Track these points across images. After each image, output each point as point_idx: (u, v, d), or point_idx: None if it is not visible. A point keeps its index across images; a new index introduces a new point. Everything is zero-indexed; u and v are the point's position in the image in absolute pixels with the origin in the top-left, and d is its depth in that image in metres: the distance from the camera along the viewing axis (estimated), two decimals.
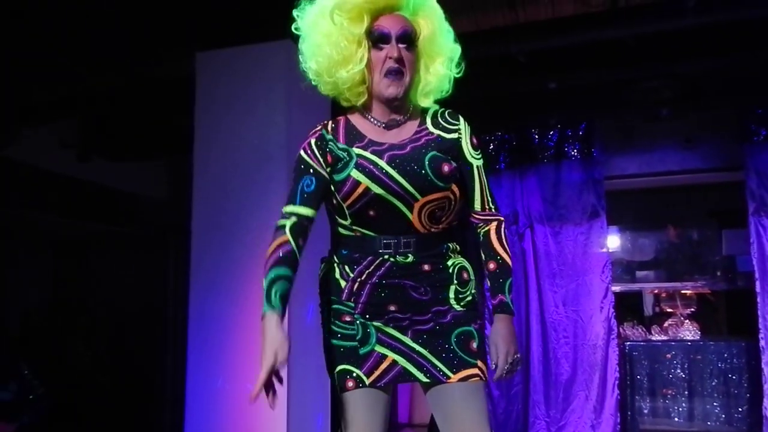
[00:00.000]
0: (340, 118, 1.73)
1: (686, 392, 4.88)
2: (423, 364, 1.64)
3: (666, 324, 5.21)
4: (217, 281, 3.54)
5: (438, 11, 1.70)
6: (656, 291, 5.66)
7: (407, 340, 1.65)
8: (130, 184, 5.48)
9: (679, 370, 4.93)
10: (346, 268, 1.67)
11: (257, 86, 3.57)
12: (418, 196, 1.62)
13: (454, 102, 5.23)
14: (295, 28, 1.70)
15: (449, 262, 1.70)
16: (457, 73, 1.73)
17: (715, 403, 4.80)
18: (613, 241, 5.70)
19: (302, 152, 1.68)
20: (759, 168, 4.66)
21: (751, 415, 4.66)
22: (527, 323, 5.03)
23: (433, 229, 1.67)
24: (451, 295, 1.68)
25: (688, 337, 5.05)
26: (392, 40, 1.61)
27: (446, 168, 1.64)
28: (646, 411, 4.95)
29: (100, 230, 5.75)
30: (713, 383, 4.82)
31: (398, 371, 1.64)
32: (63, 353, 5.81)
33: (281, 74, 3.52)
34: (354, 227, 1.66)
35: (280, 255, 1.58)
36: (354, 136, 1.67)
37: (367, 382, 1.62)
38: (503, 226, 1.78)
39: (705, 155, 5.16)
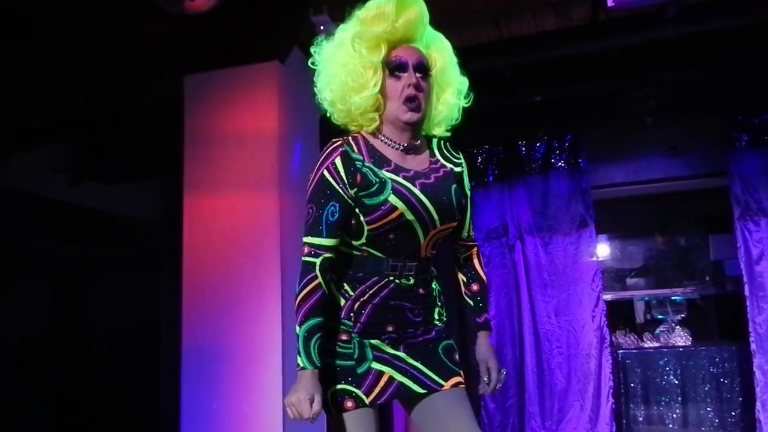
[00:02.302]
0: (356, 136, 1.72)
1: (680, 398, 4.91)
2: (417, 377, 1.68)
3: (657, 331, 5.25)
4: (210, 303, 3.55)
5: (448, 45, 1.77)
6: (647, 298, 5.70)
7: (402, 354, 1.68)
8: (121, 207, 5.48)
9: (672, 377, 4.97)
10: (346, 286, 1.68)
11: (246, 108, 3.60)
12: (438, 225, 1.69)
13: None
14: (312, 63, 1.76)
15: (434, 285, 1.78)
16: (466, 104, 1.80)
17: (708, 408, 4.84)
18: (603, 250, 5.76)
19: (326, 173, 1.64)
20: (742, 173, 4.74)
21: (744, 418, 4.70)
22: (520, 335, 5.06)
23: (429, 255, 1.74)
24: (435, 316, 1.76)
25: (679, 343, 5.09)
26: (410, 69, 1.67)
27: (463, 201, 1.78)
28: (640, 419, 4.98)
29: (92, 254, 5.74)
30: (706, 388, 4.86)
31: (396, 387, 1.67)
32: (60, 377, 5.78)
33: (270, 95, 3.55)
34: (364, 247, 1.67)
35: (315, 302, 1.59)
36: (379, 159, 1.68)
37: (367, 401, 1.63)
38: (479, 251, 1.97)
39: (690, 162, 5.24)
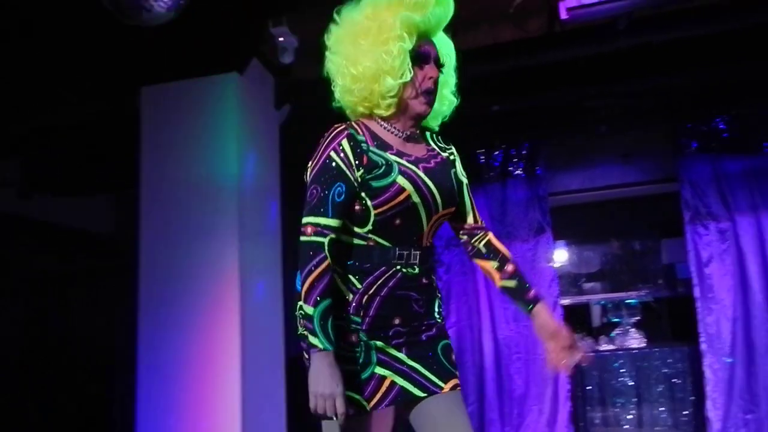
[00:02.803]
0: (357, 122, 1.71)
1: (635, 399, 5.03)
2: (417, 380, 1.64)
3: (613, 334, 5.38)
4: (167, 317, 3.48)
5: (452, 44, 1.82)
6: (603, 302, 5.83)
7: (404, 357, 1.65)
8: (74, 220, 5.32)
9: (627, 378, 5.08)
10: (353, 279, 1.62)
11: (205, 120, 3.55)
12: (440, 209, 1.69)
13: None
14: (333, 29, 1.71)
15: (433, 277, 1.75)
16: (457, 102, 1.84)
17: (661, 408, 4.97)
18: (560, 256, 5.86)
19: (333, 153, 1.61)
20: (692, 179, 4.91)
21: (696, 417, 4.85)
22: (480, 341, 5.12)
23: (429, 244, 1.72)
24: (436, 308, 1.73)
25: (634, 346, 5.21)
26: (431, 62, 1.70)
27: (461, 186, 1.80)
28: (597, 421, 5.08)
29: (44, 268, 5.56)
30: (659, 389, 4.99)
31: (397, 391, 1.63)
32: (8, 394, 5.57)
33: (229, 107, 3.51)
34: (371, 235, 1.63)
35: (327, 283, 1.53)
36: (381, 143, 1.68)
37: (369, 407, 1.60)
38: None
39: (642, 169, 5.39)
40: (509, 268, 1.76)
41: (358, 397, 1.59)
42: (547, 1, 3.45)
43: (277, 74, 3.71)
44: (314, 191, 1.59)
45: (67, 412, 5.73)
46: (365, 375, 1.61)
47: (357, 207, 1.62)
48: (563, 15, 3.35)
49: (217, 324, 3.40)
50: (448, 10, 1.73)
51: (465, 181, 1.83)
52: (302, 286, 1.54)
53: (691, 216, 4.89)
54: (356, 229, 1.63)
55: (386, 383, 1.62)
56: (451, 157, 1.82)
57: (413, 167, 1.65)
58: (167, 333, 3.45)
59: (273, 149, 3.79)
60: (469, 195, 1.84)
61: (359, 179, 1.61)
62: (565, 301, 5.37)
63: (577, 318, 5.73)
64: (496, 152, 5.25)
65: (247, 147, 3.56)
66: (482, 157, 5.27)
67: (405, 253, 1.64)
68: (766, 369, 4.61)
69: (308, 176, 1.64)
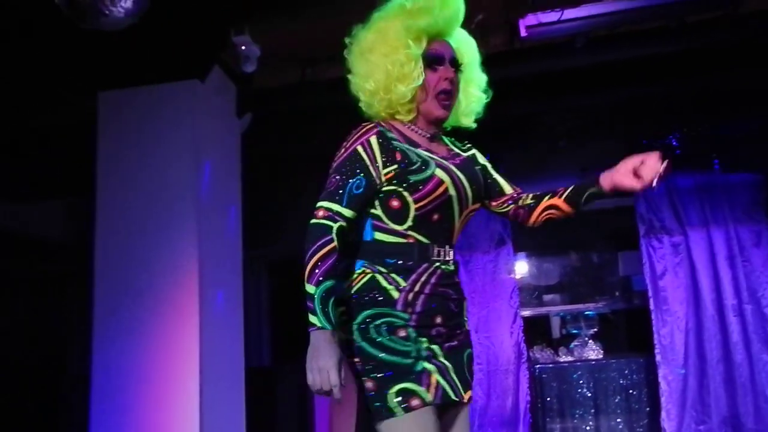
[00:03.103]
0: (385, 122, 1.73)
1: (593, 410, 5.11)
2: (451, 383, 1.62)
3: (572, 345, 5.46)
4: (122, 325, 3.42)
5: (474, 43, 1.85)
6: (562, 313, 5.92)
7: (442, 357, 1.63)
8: (28, 225, 5.19)
9: (585, 390, 5.16)
10: (396, 277, 1.61)
11: (164, 127, 3.52)
12: (470, 203, 1.72)
13: None
14: (347, 54, 1.77)
15: (457, 279, 1.75)
16: (486, 98, 1.87)
17: (618, 420, 5.05)
18: (520, 267, 5.94)
19: (360, 148, 1.62)
20: (646, 193, 5.03)
21: (651, 427, 4.94)
22: None
23: (455, 241, 1.73)
24: (465, 310, 1.74)
25: (592, 357, 5.30)
26: (446, 63, 1.72)
27: (483, 171, 1.83)
28: None
29: None
30: (616, 400, 5.08)
31: (441, 390, 1.59)
32: None
33: (190, 114, 3.49)
34: (410, 232, 1.63)
35: (331, 264, 1.51)
36: (411, 142, 1.71)
37: (429, 399, 1.55)
38: None
39: None
40: (559, 190, 1.80)
41: (419, 388, 1.54)
42: (507, 19, 3.52)
43: (239, 83, 3.70)
44: (333, 179, 1.61)
45: (16, 424, 5.54)
46: (418, 368, 1.57)
47: (395, 203, 1.62)
48: (523, 32, 3.42)
49: (174, 333, 3.35)
50: (457, 10, 1.75)
51: (487, 163, 1.90)
52: (306, 265, 1.51)
53: (646, 230, 5.01)
54: (396, 227, 1.64)
55: (433, 380, 1.58)
56: (471, 153, 1.88)
57: (445, 161, 1.69)
58: (123, 342, 3.39)
59: (233, 157, 3.77)
60: (496, 171, 1.91)
61: (391, 174, 1.62)
62: (526, 313, 5.44)
63: (537, 329, 5.80)
64: None
65: (206, 155, 3.53)
66: None
67: (441, 249, 1.66)
68: (717, 380, 4.74)
69: (332, 167, 1.64)
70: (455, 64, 1.74)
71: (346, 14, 3.34)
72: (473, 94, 1.84)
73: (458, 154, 1.81)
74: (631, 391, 5.08)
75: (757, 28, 3.54)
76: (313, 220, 1.56)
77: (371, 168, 1.61)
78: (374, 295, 1.60)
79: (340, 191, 1.58)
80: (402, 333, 1.58)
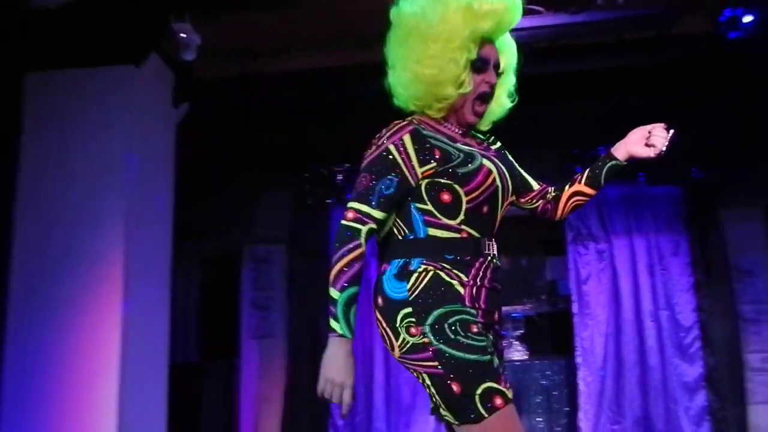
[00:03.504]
0: (417, 119, 1.65)
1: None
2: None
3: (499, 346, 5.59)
4: (39, 316, 3.26)
5: (515, 48, 1.79)
6: None
7: (498, 355, 1.59)
8: None
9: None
10: (457, 272, 1.55)
11: (95, 112, 3.38)
12: (509, 195, 1.68)
13: (304, 134, 5.26)
14: (401, 17, 1.65)
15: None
16: (512, 103, 1.83)
17: (538, 419, 5.22)
18: None
19: (392, 147, 1.55)
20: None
21: (569, 428, 5.14)
22: (371, 350, 5.16)
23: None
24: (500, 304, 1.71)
25: (516, 358, 5.45)
26: (490, 68, 1.67)
27: (516, 169, 1.78)
28: None
29: None
30: (537, 400, 5.24)
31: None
32: None
33: (123, 100, 3.37)
34: (463, 227, 1.58)
35: (357, 271, 1.48)
36: (447, 137, 1.65)
37: (510, 396, 1.48)
38: None
39: None
40: (576, 177, 1.82)
41: (500, 386, 1.46)
42: None
43: (177, 71, 3.60)
44: (364, 179, 1.56)
45: None
46: (496, 364, 1.51)
47: (446, 197, 1.57)
48: None
49: (95, 325, 3.22)
50: (517, 16, 1.70)
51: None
52: (332, 268, 1.49)
53: (573, 236, 5.20)
54: (448, 221, 1.58)
55: (504, 377, 1.53)
56: (499, 146, 1.82)
57: (486, 153, 1.66)
58: (39, 333, 3.23)
59: (167, 147, 3.66)
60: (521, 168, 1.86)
61: (431, 172, 1.57)
62: None
63: None
64: None
65: (138, 143, 3.42)
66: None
67: (490, 243, 1.63)
68: (632, 382, 4.98)
69: (362, 164, 1.60)
70: (497, 69, 1.70)
71: (290, 9, 3.33)
72: (501, 101, 1.80)
73: (488, 147, 1.78)
74: (552, 392, 5.25)
75: (687, 48, 3.72)
76: (343, 222, 1.53)
77: (404, 167, 1.55)
78: (441, 292, 1.53)
79: (371, 192, 1.53)
80: (475, 329, 1.51)
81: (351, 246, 1.49)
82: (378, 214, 1.53)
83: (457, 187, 1.57)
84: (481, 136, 1.82)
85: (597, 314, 5.08)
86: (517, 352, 5.47)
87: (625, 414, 4.94)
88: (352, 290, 1.47)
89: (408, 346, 1.51)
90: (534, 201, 1.85)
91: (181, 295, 5.50)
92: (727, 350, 4.96)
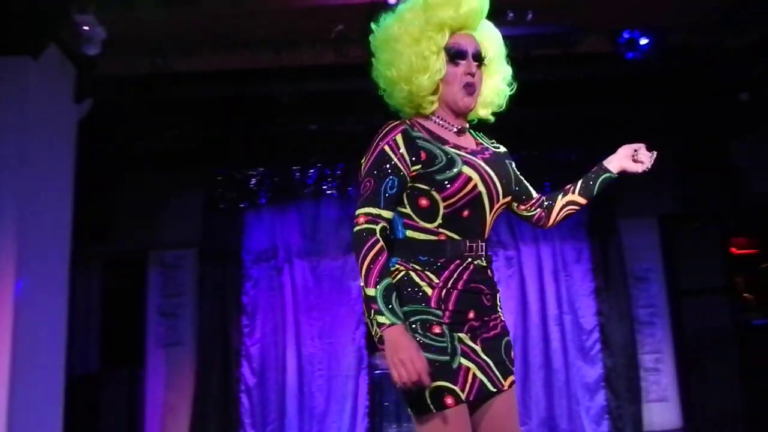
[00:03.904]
0: (411, 119, 1.73)
1: None
2: (489, 374, 1.65)
3: None
4: None
5: (499, 36, 1.85)
6: None
7: (478, 349, 1.65)
8: None
9: None
10: (429, 274, 1.63)
11: None
12: (501, 198, 1.73)
13: (215, 136, 5.11)
14: (372, 39, 1.77)
15: (492, 269, 1.77)
16: (511, 91, 1.87)
17: None
18: None
19: (387, 148, 1.64)
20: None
21: None
22: (284, 358, 5.09)
23: (488, 236, 1.75)
24: (498, 302, 1.76)
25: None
26: (469, 57, 1.73)
27: (513, 173, 1.82)
28: None
29: None
30: None
31: (479, 384, 1.62)
32: None
33: (17, 94, 3.15)
34: (441, 230, 1.65)
35: (384, 263, 1.54)
36: (437, 138, 1.70)
37: (463, 397, 1.58)
38: None
39: None
40: (569, 188, 1.89)
41: (454, 387, 1.56)
42: (366, 32, 3.58)
43: (79, 65, 3.41)
44: (368, 184, 1.63)
45: None
46: (455, 365, 1.59)
47: (424, 202, 1.65)
48: None
49: None
50: (481, 3, 1.77)
51: (515, 167, 1.90)
52: (360, 272, 1.55)
53: None
54: (426, 225, 1.66)
55: (470, 375, 1.61)
56: (501, 150, 1.87)
57: (473, 157, 1.69)
58: None
59: (67, 144, 3.46)
60: (521, 175, 1.91)
61: (415, 173, 1.64)
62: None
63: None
64: (312, 170, 5.30)
65: (35, 139, 3.21)
66: (297, 174, 5.29)
67: (473, 245, 1.68)
68: (538, 384, 5.16)
69: (362, 170, 1.67)
70: (478, 58, 1.76)
71: (201, 6, 3.24)
72: (495, 87, 1.85)
73: (487, 148, 1.81)
74: None
75: (589, 66, 3.91)
76: (356, 228, 1.60)
77: (401, 166, 1.63)
78: (408, 291, 1.63)
79: (377, 194, 1.61)
80: (437, 330, 1.60)
81: (370, 244, 1.56)
82: (387, 213, 1.62)
83: (434, 193, 1.64)
84: (485, 139, 1.89)
85: (506, 319, 5.20)
86: None
87: (531, 415, 5.11)
88: (385, 282, 1.54)
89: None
90: (532, 209, 1.92)
91: (81, 301, 5.21)
92: (624, 352, 5.23)
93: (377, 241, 1.57)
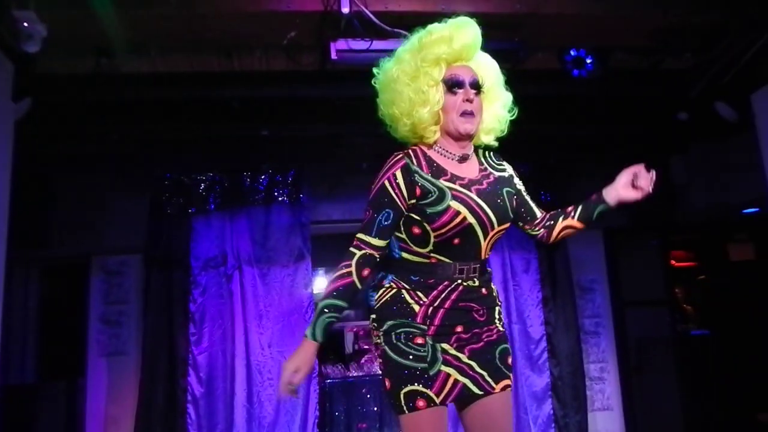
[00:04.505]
0: (416, 149, 1.91)
1: (378, 424, 5.30)
2: (476, 378, 1.86)
3: (362, 360, 5.63)
4: None
5: (495, 65, 2.01)
6: (355, 329, 6.09)
7: (463, 357, 1.85)
8: None
9: (372, 404, 5.34)
10: (419, 293, 1.85)
11: None
12: (496, 226, 1.87)
13: (163, 139, 4.99)
14: (375, 82, 1.97)
15: (492, 286, 1.97)
16: (511, 116, 2.03)
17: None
18: (318, 283, 6.01)
19: (386, 183, 1.84)
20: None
21: None
22: (232, 367, 4.99)
23: (487, 256, 1.92)
24: (496, 315, 1.95)
25: (380, 372, 5.49)
26: (466, 86, 1.89)
27: (515, 201, 1.98)
28: None
29: None
30: None
31: (460, 388, 1.84)
32: None
33: None
34: (432, 254, 1.84)
35: (340, 286, 1.78)
36: (437, 169, 1.87)
37: (438, 401, 1.80)
38: None
39: None
40: (570, 211, 2.02)
41: (427, 391, 1.79)
42: (319, 39, 3.57)
43: (17, 62, 3.28)
44: (367, 213, 1.85)
45: None
46: (433, 372, 1.81)
47: (417, 231, 1.83)
48: (333, 55, 3.49)
49: None
50: (473, 37, 1.91)
51: (522, 187, 2.06)
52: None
53: None
54: (418, 249, 1.85)
55: (451, 380, 1.83)
56: (505, 174, 2.01)
57: (466, 191, 1.84)
58: None
59: (5, 144, 3.31)
60: (528, 195, 2.07)
61: (411, 205, 1.82)
62: None
63: (330, 345, 5.89)
64: (262, 176, 5.24)
65: None
66: (248, 180, 5.22)
67: (465, 267, 1.85)
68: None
69: (368, 198, 1.87)
70: (476, 86, 1.91)
71: (150, 7, 3.16)
72: (495, 113, 1.98)
73: (489, 175, 1.95)
74: None
75: (536, 83, 3.99)
76: (349, 249, 1.83)
77: (397, 200, 1.82)
78: (398, 307, 1.85)
79: (371, 224, 1.82)
80: (419, 340, 1.82)
81: (342, 266, 1.81)
82: (376, 241, 1.82)
83: (425, 224, 1.82)
84: (492, 162, 2.02)
85: None
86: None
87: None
88: (329, 301, 1.78)
89: (373, 343, 1.91)
90: (537, 228, 2.06)
91: (18, 309, 5.01)
92: (570, 361, 5.33)
93: (348, 265, 1.80)
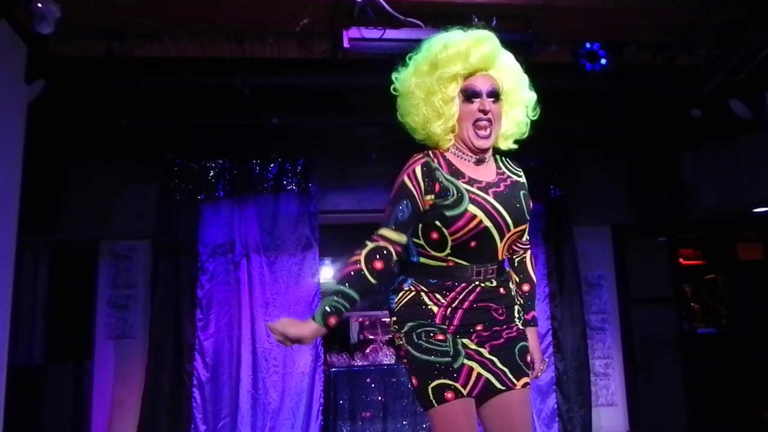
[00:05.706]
0: (435, 151, 1.94)
1: (381, 414, 5.32)
2: (498, 373, 1.89)
3: (367, 350, 5.65)
4: None
5: (517, 67, 2.02)
6: (361, 319, 6.11)
7: (485, 352, 1.90)
8: None
9: (376, 393, 5.36)
10: (437, 295, 1.89)
11: None
12: (512, 228, 1.90)
13: (173, 125, 5.00)
14: (394, 89, 1.99)
15: (511, 286, 2.01)
16: (533, 117, 2.04)
17: (404, 422, 5.31)
18: (325, 272, 6.03)
19: (406, 178, 1.87)
20: None
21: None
22: (238, 353, 5.02)
23: (505, 258, 1.96)
24: (516, 314, 1.98)
25: (385, 362, 5.53)
26: (483, 96, 1.90)
27: (531, 204, 1.99)
28: None
29: None
30: (404, 403, 5.33)
31: (483, 382, 1.88)
32: None
33: None
34: (450, 258, 1.88)
35: (347, 273, 1.81)
36: (455, 171, 1.90)
37: (465, 392, 1.84)
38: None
39: None
40: (525, 287, 2.12)
41: (454, 383, 1.83)
42: (332, 27, 3.56)
43: (31, 44, 3.29)
44: (387, 209, 1.88)
45: None
46: (457, 365, 1.85)
47: (435, 236, 1.86)
48: (345, 44, 3.47)
49: None
50: (491, 48, 1.92)
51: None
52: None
53: None
54: (436, 253, 1.88)
55: (474, 374, 1.88)
56: (521, 180, 2.03)
57: (483, 194, 1.87)
58: None
59: (16, 127, 3.33)
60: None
61: (430, 203, 1.85)
62: None
63: (336, 334, 5.91)
64: (272, 165, 5.25)
65: None
66: (257, 168, 5.24)
67: (482, 269, 1.89)
68: None
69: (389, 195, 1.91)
70: (493, 95, 1.92)
71: None
72: (515, 119, 2.00)
73: (507, 178, 1.98)
74: None
75: (549, 76, 3.95)
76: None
77: (415, 194, 1.85)
78: (417, 309, 1.89)
79: (390, 218, 1.85)
80: (440, 337, 1.87)
81: (354, 254, 1.83)
82: (392, 234, 1.84)
83: (443, 228, 1.85)
84: (510, 166, 2.05)
85: None
86: (385, 357, 5.55)
87: None
88: (336, 287, 1.80)
89: (395, 345, 1.95)
90: (513, 248, 2.09)
91: (28, 291, 5.06)
92: (575, 356, 5.32)
93: (358, 253, 1.82)
